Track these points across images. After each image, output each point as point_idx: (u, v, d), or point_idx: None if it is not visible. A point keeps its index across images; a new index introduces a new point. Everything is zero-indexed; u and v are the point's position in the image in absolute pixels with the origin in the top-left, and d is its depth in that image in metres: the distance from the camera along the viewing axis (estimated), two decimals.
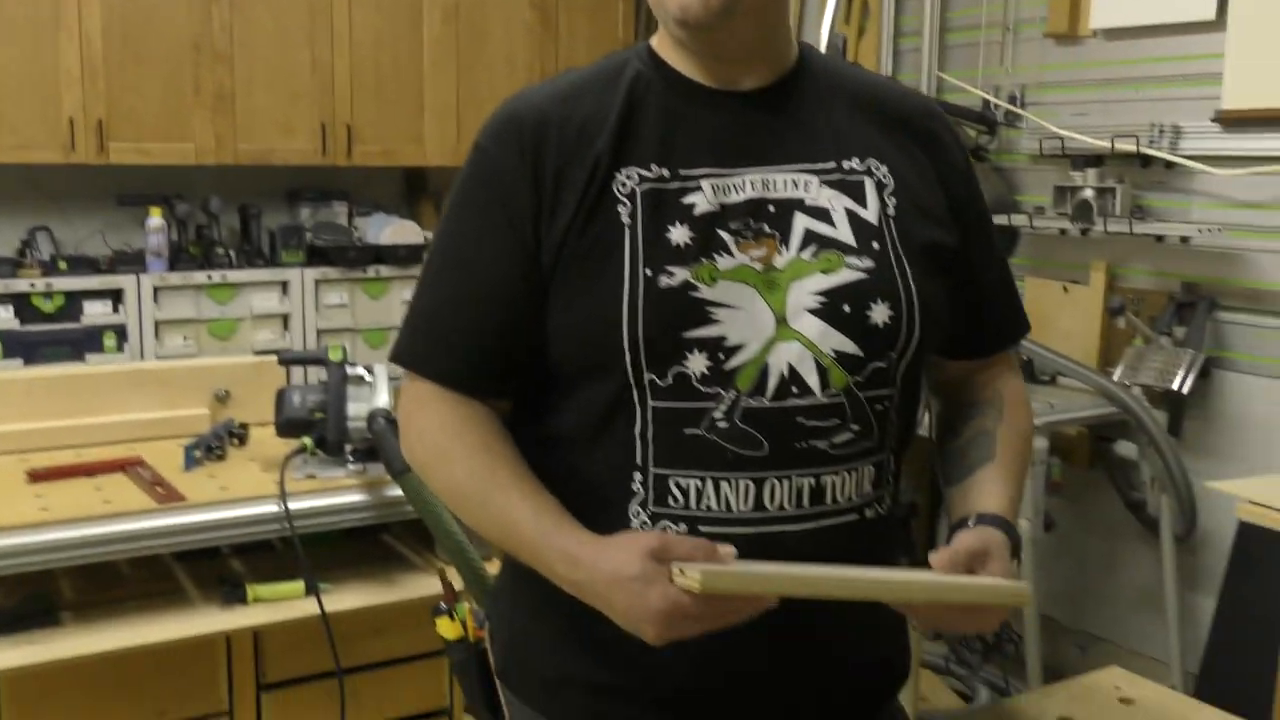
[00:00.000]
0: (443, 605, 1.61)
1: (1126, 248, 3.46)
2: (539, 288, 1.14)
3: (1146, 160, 3.34)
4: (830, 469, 1.14)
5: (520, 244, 1.15)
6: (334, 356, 2.22)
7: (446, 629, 1.58)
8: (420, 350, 1.21)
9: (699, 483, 1.12)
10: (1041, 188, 3.66)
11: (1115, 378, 3.26)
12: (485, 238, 1.17)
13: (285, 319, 4.38)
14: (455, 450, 1.17)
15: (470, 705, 1.54)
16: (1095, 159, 3.41)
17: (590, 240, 1.13)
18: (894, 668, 1.30)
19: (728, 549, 1.03)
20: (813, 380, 1.13)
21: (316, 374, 2.29)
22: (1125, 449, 3.44)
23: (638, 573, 1.02)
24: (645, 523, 1.14)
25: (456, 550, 2.06)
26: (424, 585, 2.20)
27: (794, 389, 1.12)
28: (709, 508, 1.12)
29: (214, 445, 2.32)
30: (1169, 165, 3.30)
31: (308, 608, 2.09)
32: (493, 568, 2.16)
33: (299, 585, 2.12)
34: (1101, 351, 3.50)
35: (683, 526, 1.13)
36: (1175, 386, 3.17)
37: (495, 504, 1.14)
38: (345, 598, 2.15)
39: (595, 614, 1.08)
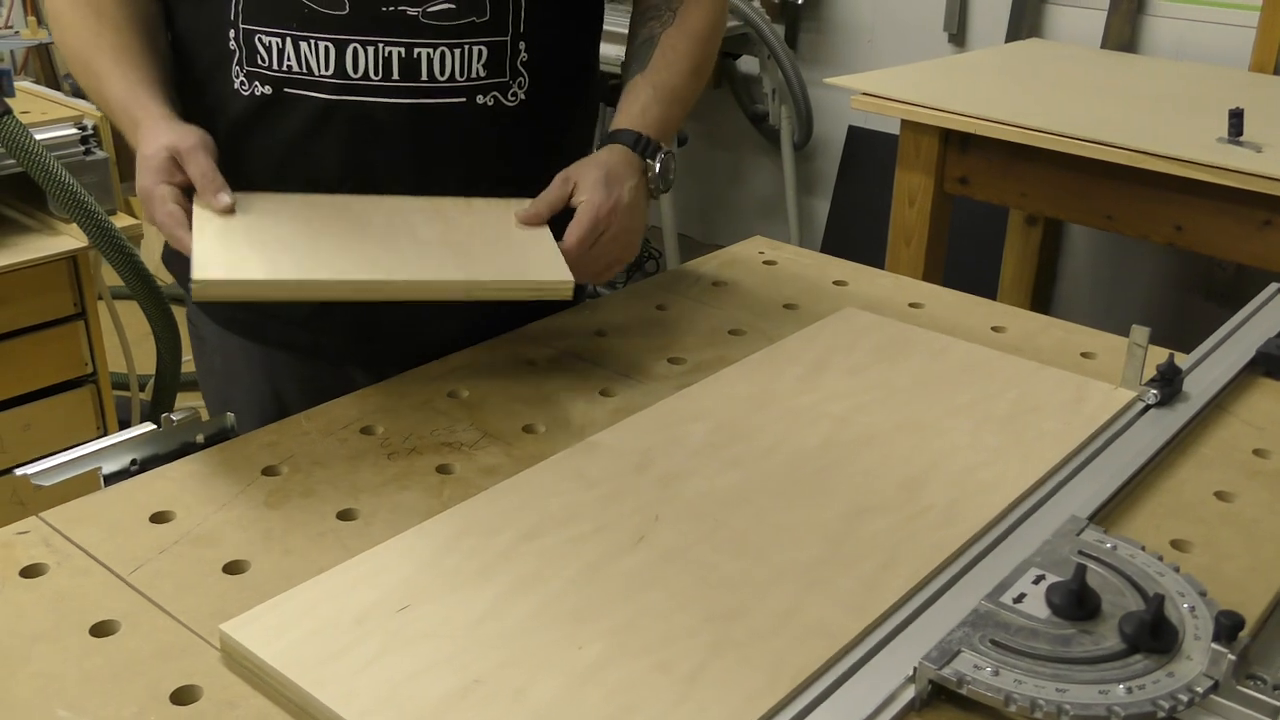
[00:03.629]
0: None
1: None
2: None
3: None
4: (424, 41, 1.09)
5: None
6: None
7: None
8: None
9: (280, 40, 1.09)
10: None
11: None
12: None
13: None
14: (66, 13, 1.13)
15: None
16: None
17: None
18: None
19: (223, 200, 1.02)
20: None
21: None
22: (748, 64, 3.57)
23: (150, 155, 1.03)
24: (244, 81, 1.11)
25: (73, 203, 1.88)
26: (43, 246, 2.02)
27: None
28: (290, 68, 1.10)
29: None
30: None
31: None
32: (118, 220, 2.02)
33: None
34: None
35: (269, 88, 1.11)
36: None
37: (95, 68, 1.10)
38: None
39: None
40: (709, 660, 0.72)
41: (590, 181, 1.10)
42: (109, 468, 0.95)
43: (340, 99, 1.10)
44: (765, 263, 1.40)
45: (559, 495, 0.88)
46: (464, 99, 1.12)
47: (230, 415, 1.02)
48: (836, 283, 1.34)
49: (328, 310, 1.17)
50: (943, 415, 1.02)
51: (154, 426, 0.98)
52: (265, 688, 0.71)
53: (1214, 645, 0.69)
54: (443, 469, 0.96)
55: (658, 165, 1.15)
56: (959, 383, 1.08)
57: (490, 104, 1.14)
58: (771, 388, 1.06)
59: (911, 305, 1.28)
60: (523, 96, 1.15)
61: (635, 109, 1.17)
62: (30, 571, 0.82)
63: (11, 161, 1.91)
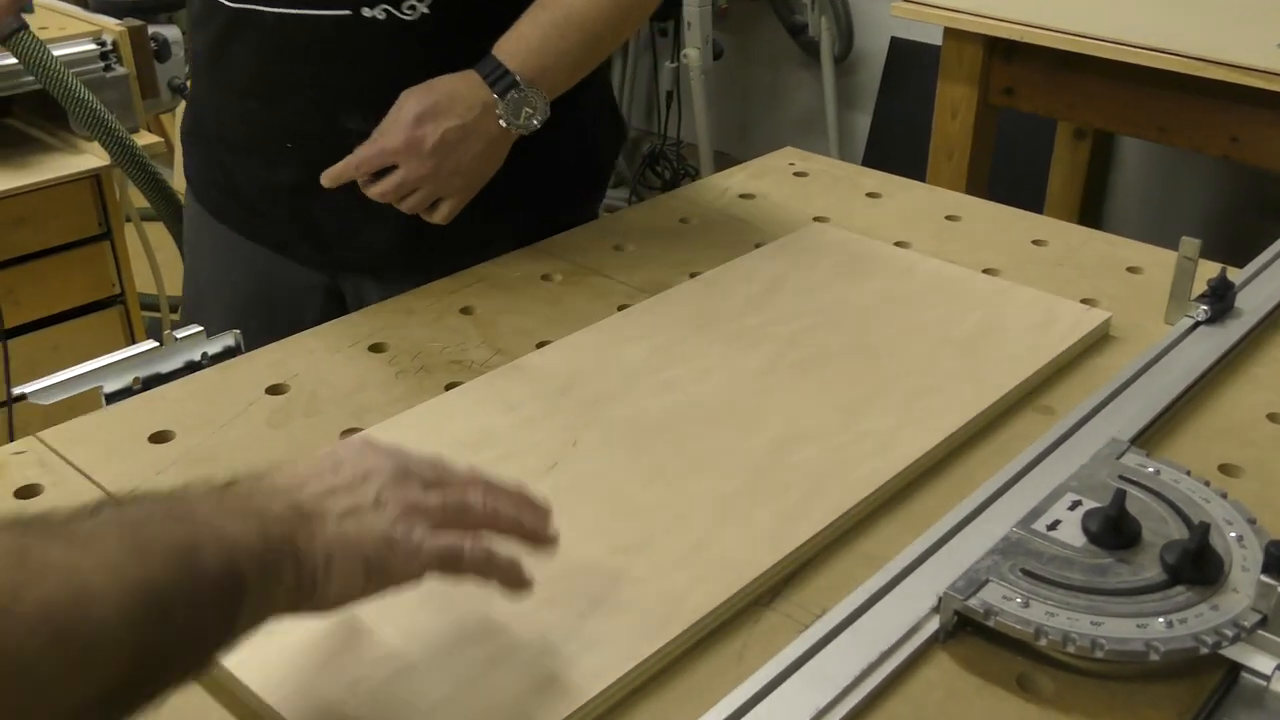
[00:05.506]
0: None
1: None
2: None
3: None
4: None
5: None
6: None
7: None
8: None
9: None
10: None
11: None
12: None
13: None
14: None
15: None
16: None
17: None
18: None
19: None
20: None
21: None
22: None
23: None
24: None
25: (94, 121, 1.85)
26: (64, 165, 1.99)
27: None
28: None
29: None
30: None
31: None
32: (140, 139, 1.99)
33: None
34: None
35: None
36: None
37: None
38: None
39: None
40: (605, 595, 0.67)
41: (392, 118, 1.02)
42: (110, 386, 0.92)
43: (245, 7, 1.09)
44: (796, 174, 1.34)
45: (474, 418, 0.84)
46: (349, 11, 1.06)
47: (236, 332, 0.99)
48: (870, 195, 1.28)
49: (273, 199, 1.18)
50: (898, 336, 0.96)
51: (156, 344, 0.95)
52: None
53: (1262, 577, 0.64)
54: (452, 388, 0.92)
55: (507, 104, 1.03)
56: (922, 303, 1.01)
57: (381, 18, 1.06)
58: (718, 307, 1.00)
59: (948, 218, 1.22)
60: (424, 11, 1.06)
61: (514, 32, 1.05)
62: (25, 492, 0.80)
63: (30, 78, 1.87)
